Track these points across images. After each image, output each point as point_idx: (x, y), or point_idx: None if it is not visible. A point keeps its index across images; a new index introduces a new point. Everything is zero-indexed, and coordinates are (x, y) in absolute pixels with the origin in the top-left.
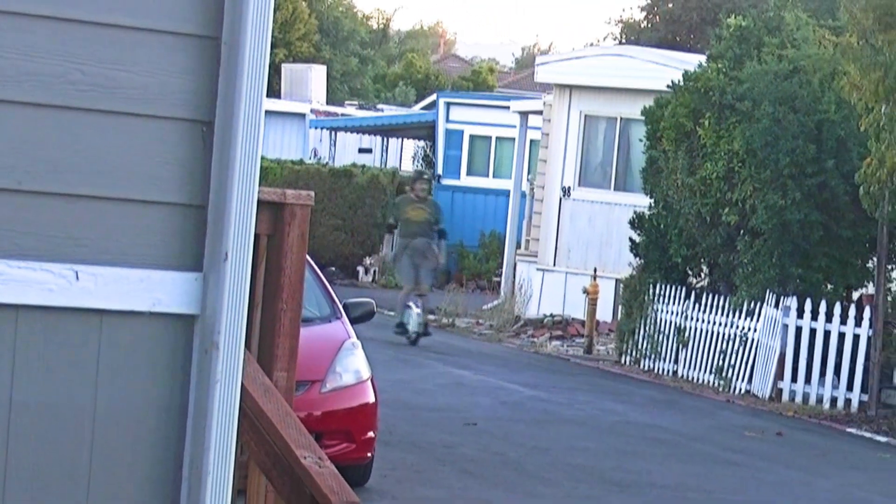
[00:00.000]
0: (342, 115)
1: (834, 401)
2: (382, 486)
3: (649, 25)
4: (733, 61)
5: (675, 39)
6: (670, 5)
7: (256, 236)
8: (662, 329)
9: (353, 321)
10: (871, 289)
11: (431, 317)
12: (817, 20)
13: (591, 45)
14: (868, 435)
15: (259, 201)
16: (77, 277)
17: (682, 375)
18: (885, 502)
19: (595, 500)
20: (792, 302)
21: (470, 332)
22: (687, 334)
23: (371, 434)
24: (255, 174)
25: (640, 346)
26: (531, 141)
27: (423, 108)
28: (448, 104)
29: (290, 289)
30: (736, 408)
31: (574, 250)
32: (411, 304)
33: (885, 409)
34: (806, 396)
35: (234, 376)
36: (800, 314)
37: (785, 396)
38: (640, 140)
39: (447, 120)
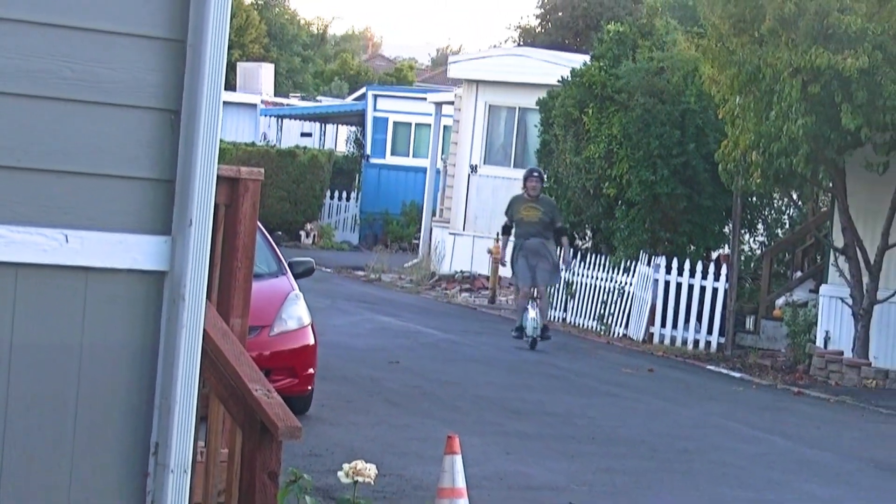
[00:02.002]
0: (287, 105)
1: (696, 343)
2: (321, 413)
3: (543, 30)
4: (612, 60)
5: (565, 42)
6: (560, 14)
7: (216, 206)
8: None
9: (296, 276)
10: (727, 249)
11: (360, 273)
12: (683, 26)
13: (495, 46)
14: (725, 371)
15: (218, 176)
16: (66, 240)
17: (570, 322)
18: (739, 427)
19: (498, 426)
20: (661, 260)
21: (393, 286)
22: (574, 287)
23: (311, 370)
24: (214, 154)
25: None
26: (444, 127)
27: (355, 100)
28: (375, 96)
29: (243, 249)
30: (615, 349)
31: (480, 217)
32: (529, 307)
33: (738, 349)
34: (673, 339)
35: (198, 322)
36: (668, 271)
37: (656, 339)
38: (535, 126)
39: (375, 109)
